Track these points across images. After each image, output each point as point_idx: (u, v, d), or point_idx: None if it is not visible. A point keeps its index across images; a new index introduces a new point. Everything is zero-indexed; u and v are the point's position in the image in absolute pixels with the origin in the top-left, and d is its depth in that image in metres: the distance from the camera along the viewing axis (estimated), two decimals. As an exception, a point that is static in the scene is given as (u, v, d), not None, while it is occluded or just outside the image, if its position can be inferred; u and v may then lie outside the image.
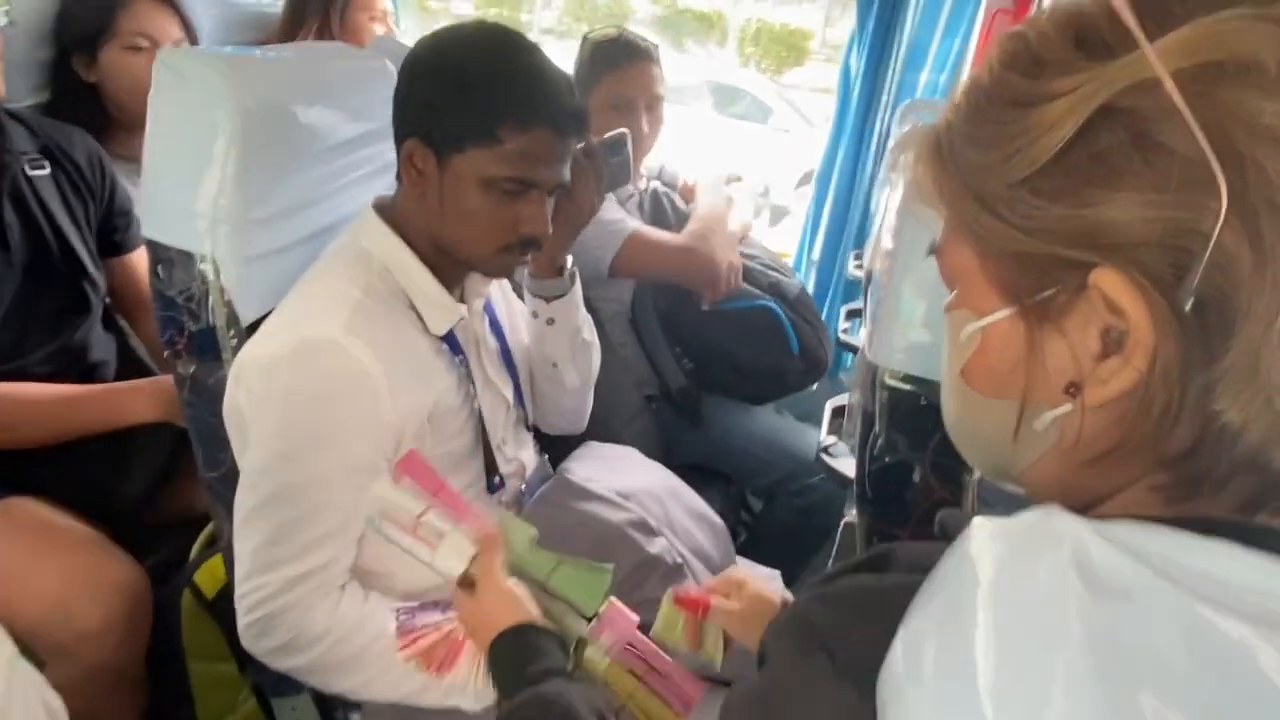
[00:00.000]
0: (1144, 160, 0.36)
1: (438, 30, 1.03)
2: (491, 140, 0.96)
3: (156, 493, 1.38)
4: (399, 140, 1.01)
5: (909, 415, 0.91)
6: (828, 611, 0.44)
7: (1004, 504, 1.09)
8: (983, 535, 0.36)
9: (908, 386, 0.90)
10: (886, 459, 0.92)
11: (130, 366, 1.48)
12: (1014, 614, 0.33)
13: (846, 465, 1.16)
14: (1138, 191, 0.36)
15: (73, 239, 1.38)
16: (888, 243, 0.98)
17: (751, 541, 1.90)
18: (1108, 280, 0.37)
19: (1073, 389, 0.41)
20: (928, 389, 0.90)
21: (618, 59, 1.71)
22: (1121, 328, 0.38)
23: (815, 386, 1.89)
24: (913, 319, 0.89)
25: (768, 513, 1.92)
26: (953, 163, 0.43)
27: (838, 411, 1.35)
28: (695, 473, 1.83)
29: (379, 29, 1.99)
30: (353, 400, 0.95)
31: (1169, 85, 0.34)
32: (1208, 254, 0.34)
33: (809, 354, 1.77)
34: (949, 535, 0.42)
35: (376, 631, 1.00)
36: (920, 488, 0.92)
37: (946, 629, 0.34)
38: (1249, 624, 0.31)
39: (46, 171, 1.37)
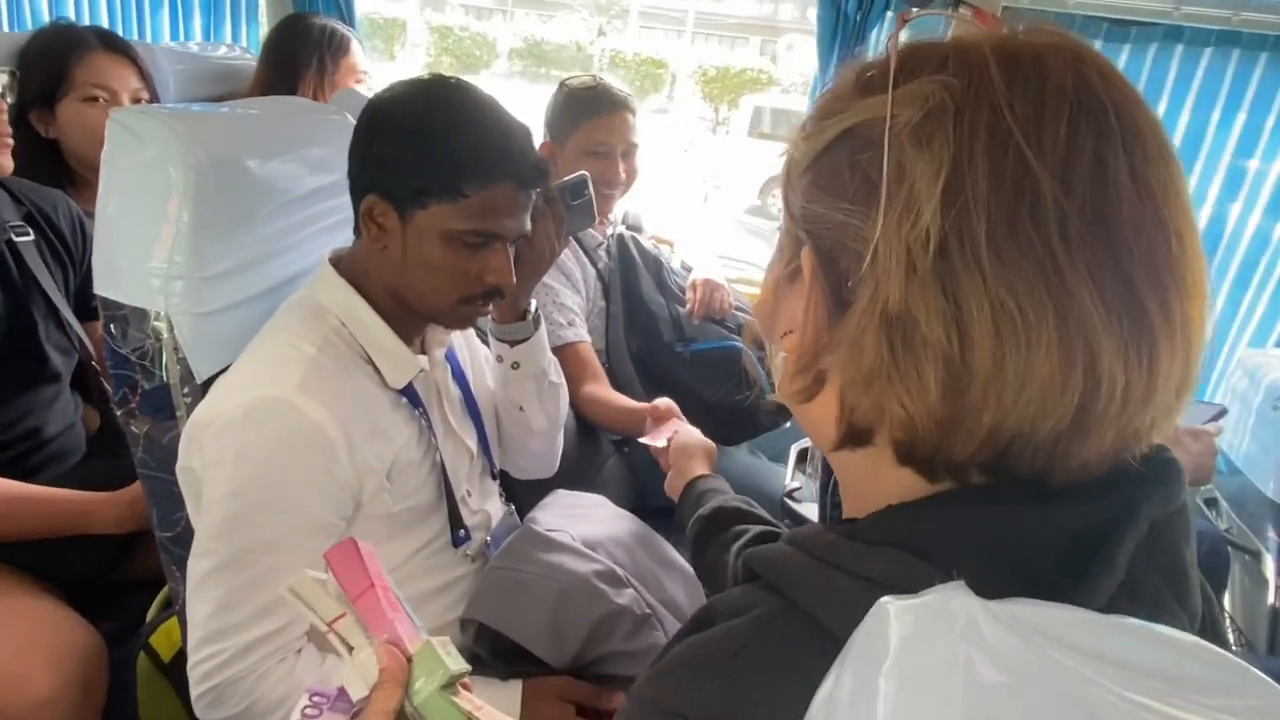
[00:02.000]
0: (850, 177, 0.45)
1: (393, 85, 1.03)
2: (455, 195, 0.96)
3: (120, 558, 1.35)
4: (356, 195, 1.01)
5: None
6: (666, 682, 0.47)
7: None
8: (891, 612, 0.39)
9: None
10: (847, 505, 0.91)
11: (112, 434, 1.46)
12: (911, 690, 0.35)
13: (810, 510, 1.15)
14: (837, 198, 0.46)
15: (59, 305, 1.37)
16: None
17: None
18: (806, 259, 0.48)
19: (785, 335, 0.51)
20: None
21: (598, 107, 1.73)
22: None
23: (788, 425, 1.89)
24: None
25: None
26: (790, 165, 0.52)
27: (803, 455, 1.34)
28: (670, 516, 1.81)
29: (364, 92, 2.01)
30: (307, 461, 0.94)
31: (888, 122, 0.43)
32: (869, 256, 0.43)
33: (780, 394, 1.77)
34: (750, 576, 0.50)
35: None
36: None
37: (857, 700, 0.37)
38: (1136, 705, 0.33)
39: (31, 238, 1.36)
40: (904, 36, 0.47)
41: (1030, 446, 0.42)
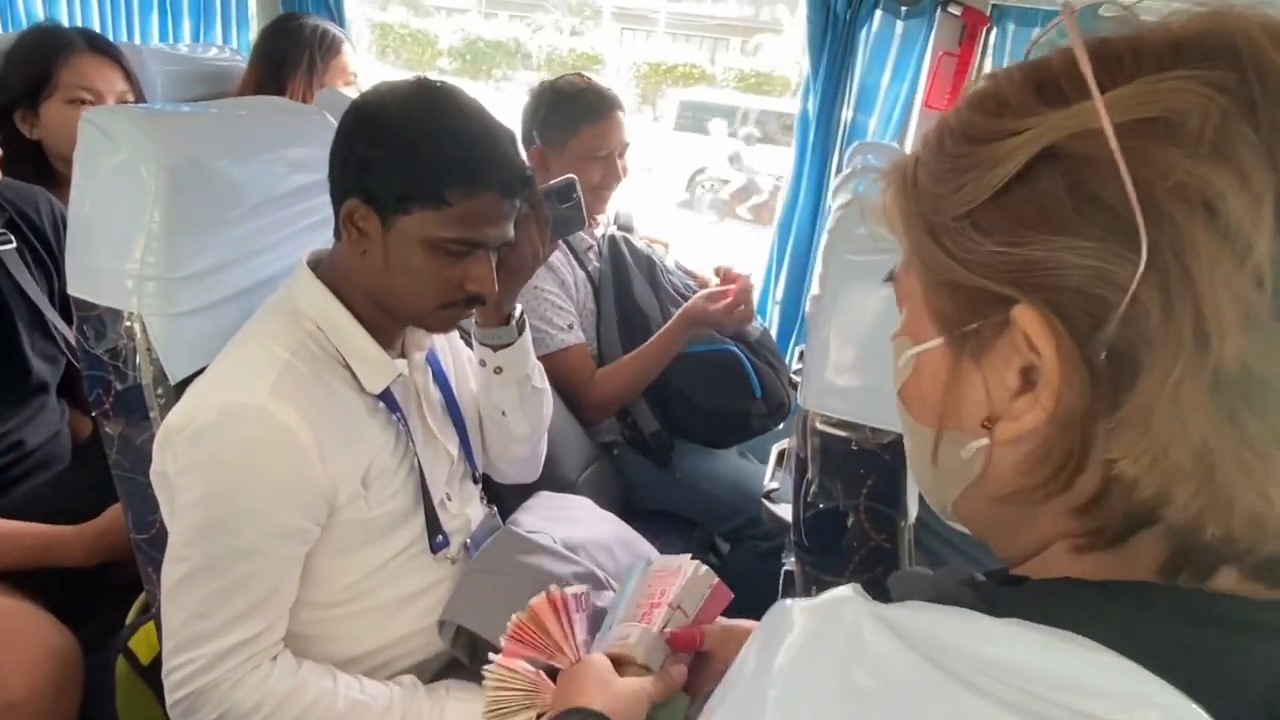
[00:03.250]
0: (1075, 207, 0.37)
1: (377, 87, 1.02)
2: (438, 203, 0.95)
3: (101, 564, 1.34)
4: (337, 198, 1.00)
5: (841, 461, 0.89)
6: None
7: (940, 550, 1.08)
8: (788, 613, 0.38)
9: (839, 432, 0.89)
10: (821, 505, 0.90)
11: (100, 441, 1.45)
12: (792, 695, 0.34)
13: (786, 511, 1.14)
14: (1065, 236, 0.37)
15: (45, 312, 1.36)
16: (815, 288, 0.98)
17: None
18: (1027, 317, 0.38)
19: (988, 423, 0.42)
20: (859, 434, 0.88)
21: (597, 111, 1.72)
22: (1039, 367, 0.38)
23: (780, 428, 1.88)
24: (842, 363, 0.88)
25: (734, 556, 1.89)
26: (914, 193, 0.44)
27: (781, 455, 1.33)
28: (659, 518, 1.81)
29: (351, 94, 2.00)
30: (280, 466, 0.93)
31: (1109, 132, 0.35)
32: (1123, 306, 0.35)
33: (771, 396, 1.76)
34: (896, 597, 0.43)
35: (311, 701, 0.97)
36: (855, 534, 0.90)
37: (744, 701, 0.36)
38: (1015, 715, 0.30)
39: (12, 246, 1.35)
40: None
41: None
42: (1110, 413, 0.37)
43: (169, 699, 0.96)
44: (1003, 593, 0.42)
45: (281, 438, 0.92)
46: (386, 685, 1.04)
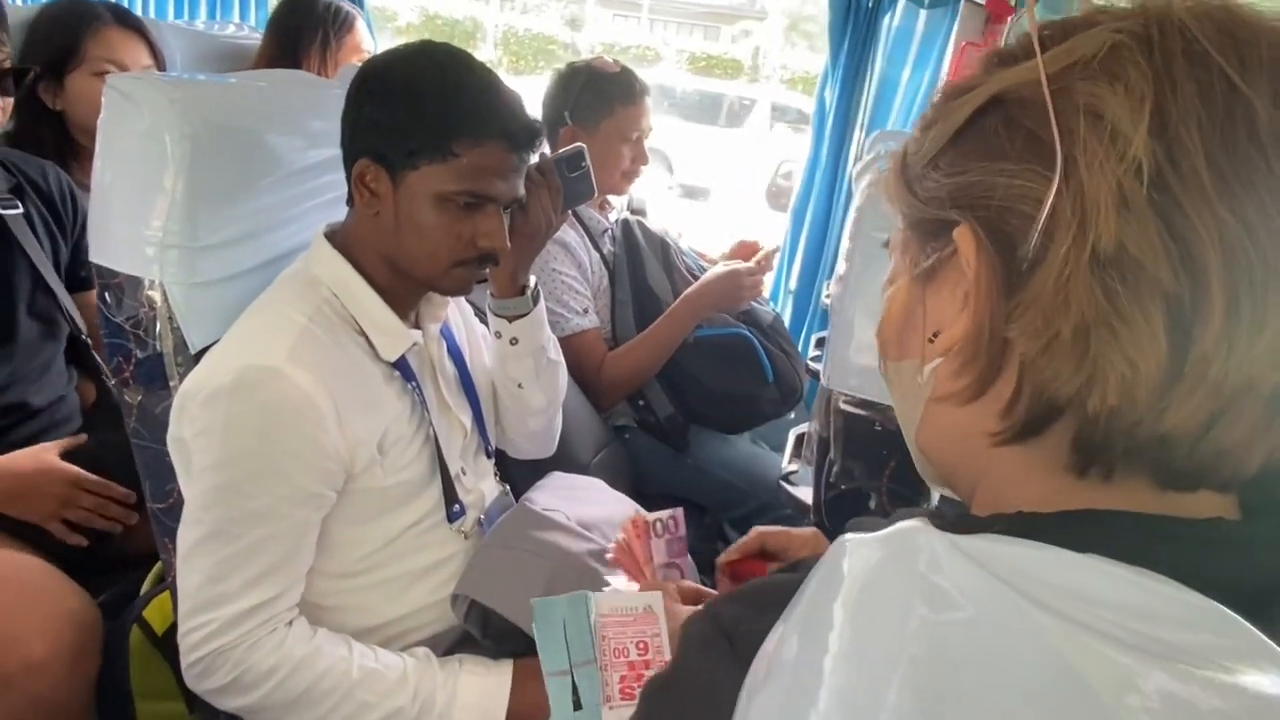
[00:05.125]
0: (1008, 138, 0.42)
1: (385, 51, 1.03)
2: (445, 155, 0.95)
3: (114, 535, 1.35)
4: (349, 161, 1.00)
5: (864, 441, 0.89)
6: (734, 606, 0.47)
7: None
8: (851, 543, 0.39)
9: (862, 411, 0.88)
10: (843, 486, 0.90)
11: (107, 409, 1.46)
12: (863, 622, 0.35)
13: (807, 493, 1.14)
14: (997, 162, 0.42)
15: (49, 278, 1.36)
16: (840, 268, 0.97)
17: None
18: (964, 236, 0.42)
19: (931, 338, 0.46)
20: (882, 414, 0.88)
21: (634, 93, 1.74)
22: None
23: (792, 415, 1.87)
24: (864, 343, 0.88)
25: (744, 544, 1.89)
26: (904, 163, 0.49)
27: (800, 439, 1.33)
28: (670, 503, 1.80)
29: None
30: (296, 430, 0.93)
31: (1042, 77, 0.40)
32: (1041, 219, 0.39)
33: (783, 382, 1.76)
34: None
35: (326, 668, 0.97)
36: (877, 515, 0.89)
37: (809, 629, 0.37)
38: (1121, 648, 0.31)
39: (19, 210, 1.35)
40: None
41: (1242, 420, 0.37)
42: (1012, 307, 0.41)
43: (184, 661, 0.96)
44: (966, 521, 0.43)
45: (298, 401, 0.92)
46: (400, 656, 1.04)
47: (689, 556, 1.03)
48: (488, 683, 1.04)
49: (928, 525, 0.37)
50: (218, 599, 0.94)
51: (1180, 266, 0.36)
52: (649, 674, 0.72)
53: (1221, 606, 0.32)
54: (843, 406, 0.90)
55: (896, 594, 0.35)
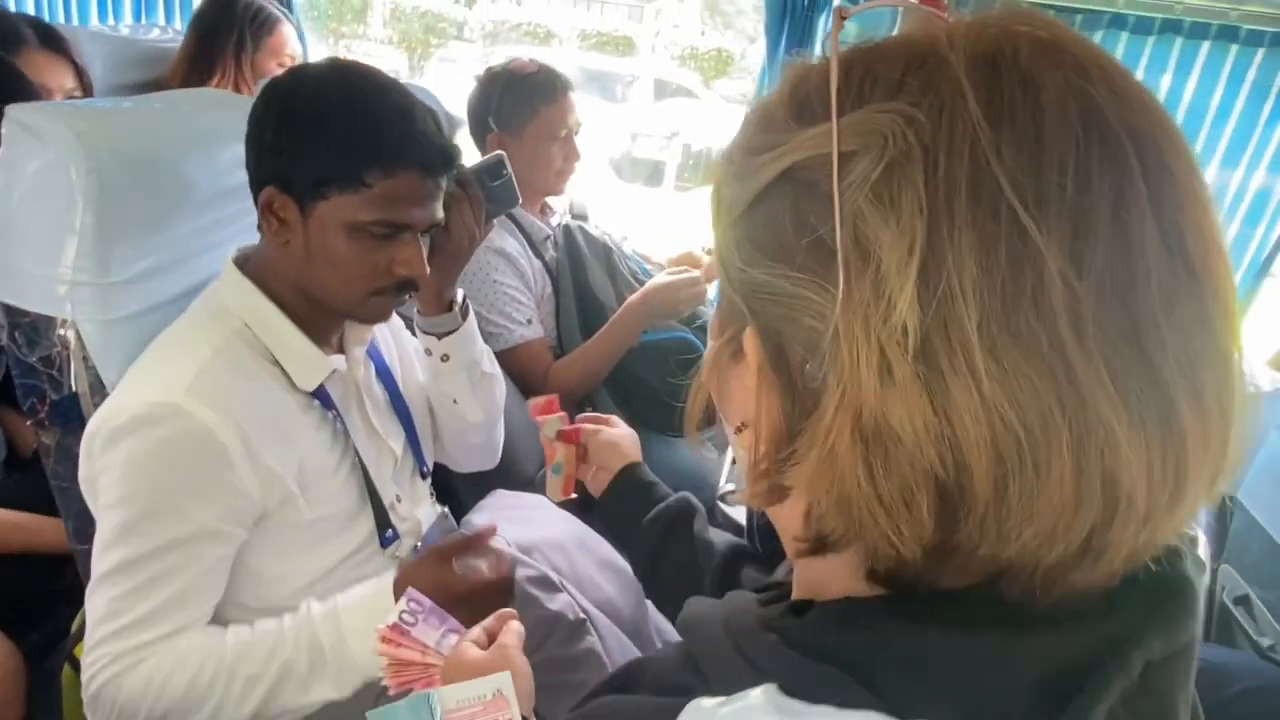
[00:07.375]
0: (795, 234, 0.37)
1: (290, 69, 0.99)
2: (357, 186, 0.92)
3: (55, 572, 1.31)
4: (255, 188, 0.96)
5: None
6: None
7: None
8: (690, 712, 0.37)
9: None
10: (772, 512, 0.90)
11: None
12: None
13: (740, 513, 1.14)
14: (781, 264, 0.37)
15: None
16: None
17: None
18: (750, 343, 0.40)
19: (739, 429, 0.43)
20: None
21: (555, 91, 1.71)
22: None
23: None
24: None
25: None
26: (720, 198, 0.43)
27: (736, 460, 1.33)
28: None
29: None
30: (196, 466, 0.91)
31: (834, 167, 0.34)
32: (827, 339, 0.35)
33: (728, 384, 1.76)
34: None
35: (198, 664, 0.93)
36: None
37: None
38: None
39: None
40: (845, 35, 0.40)
41: (1027, 574, 0.36)
42: (792, 437, 0.38)
43: (83, 695, 0.94)
44: (795, 625, 0.41)
45: (198, 436, 0.90)
46: (278, 618, 0.99)
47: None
48: (368, 588, 1.01)
49: (771, 693, 0.36)
50: (116, 633, 0.92)
51: (947, 451, 0.33)
52: None
53: None
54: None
55: None
